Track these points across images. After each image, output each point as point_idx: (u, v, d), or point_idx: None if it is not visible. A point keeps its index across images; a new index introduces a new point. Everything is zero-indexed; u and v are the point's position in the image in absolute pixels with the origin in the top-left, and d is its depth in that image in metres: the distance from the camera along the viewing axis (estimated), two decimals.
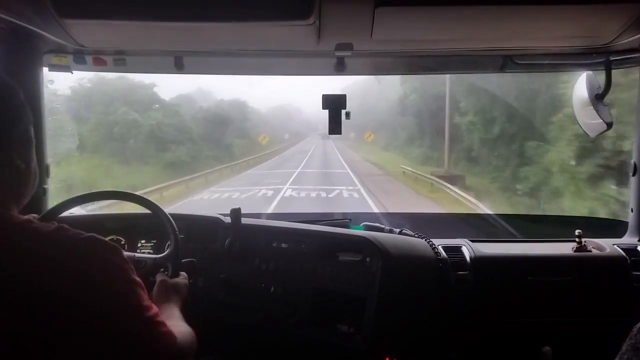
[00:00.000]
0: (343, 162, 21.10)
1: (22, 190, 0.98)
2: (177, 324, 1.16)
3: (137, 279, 0.95)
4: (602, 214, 6.78)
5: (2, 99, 0.94)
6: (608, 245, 1.90)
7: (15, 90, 0.97)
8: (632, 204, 2.00)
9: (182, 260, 1.56)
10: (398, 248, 1.75)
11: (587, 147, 7.56)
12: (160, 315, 0.98)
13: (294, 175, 15.73)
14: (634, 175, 1.97)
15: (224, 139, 19.08)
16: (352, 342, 1.62)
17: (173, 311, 1.28)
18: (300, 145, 29.80)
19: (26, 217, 0.95)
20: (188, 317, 1.24)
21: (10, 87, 0.97)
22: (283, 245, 1.84)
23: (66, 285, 0.83)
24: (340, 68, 1.91)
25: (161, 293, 1.36)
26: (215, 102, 21.56)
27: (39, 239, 0.87)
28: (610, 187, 6.98)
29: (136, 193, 1.67)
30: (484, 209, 9.43)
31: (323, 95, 1.81)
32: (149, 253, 1.84)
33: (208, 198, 12.09)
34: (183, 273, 1.50)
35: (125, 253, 1.72)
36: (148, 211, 1.64)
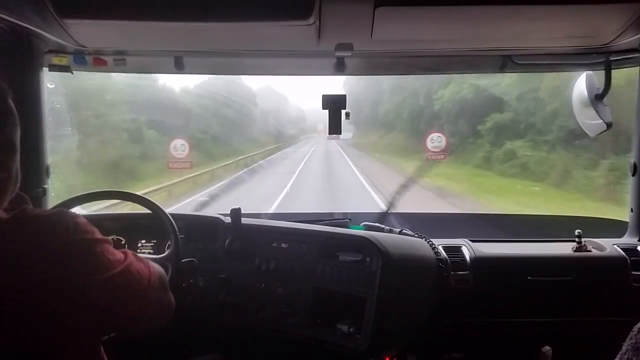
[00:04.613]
0: None
1: (1, 195, 0.96)
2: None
3: (102, 237, 0.95)
4: None
5: None
6: (608, 245, 1.91)
7: (3, 95, 0.93)
8: (631, 204, 2.00)
9: (182, 260, 1.56)
10: (398, 248, 1.74)
11: None
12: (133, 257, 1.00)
13: None
14: (633, 175, 1.97)
15: None
16: (352, 342, 1.62)
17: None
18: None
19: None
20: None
21: None
22: (283, 245, 1.84)
23: (34, 256, 0.84)
24: (340, 68, 1.91)
25: None
26: None
27: (4, 223, 0.87)
28: None
29: (137, 193, 1.67)
30: None
31: (323, 95, 1.82)
32: (149, 253, 1.85)
33: None
34: None
35: None
36: (148, 211, 1.64)
